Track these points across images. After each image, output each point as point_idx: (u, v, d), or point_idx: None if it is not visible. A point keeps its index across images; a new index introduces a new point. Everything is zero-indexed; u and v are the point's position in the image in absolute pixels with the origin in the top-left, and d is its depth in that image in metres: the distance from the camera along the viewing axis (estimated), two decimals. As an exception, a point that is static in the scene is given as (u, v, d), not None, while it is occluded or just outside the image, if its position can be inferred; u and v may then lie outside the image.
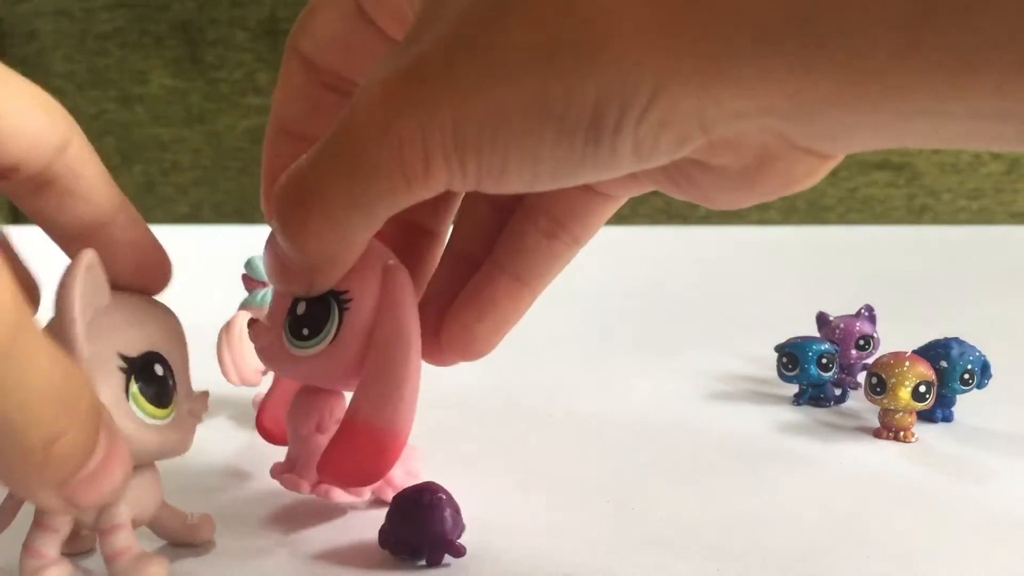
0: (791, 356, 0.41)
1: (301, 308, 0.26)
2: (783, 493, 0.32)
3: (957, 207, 1.47)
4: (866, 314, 0.44)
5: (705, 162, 0.21)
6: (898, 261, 0.80)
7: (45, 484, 0.20)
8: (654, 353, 0.51)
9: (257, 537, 0.29)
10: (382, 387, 0.25)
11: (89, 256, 0.23)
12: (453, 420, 0.40)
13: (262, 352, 0.27)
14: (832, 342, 0.42)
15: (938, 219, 1.48)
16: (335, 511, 0.31)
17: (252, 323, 0.27)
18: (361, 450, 0.25)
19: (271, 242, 0.24)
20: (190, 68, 1.48)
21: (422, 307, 0.27)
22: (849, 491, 0.32)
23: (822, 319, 0.45)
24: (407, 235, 0.28)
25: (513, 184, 0.21)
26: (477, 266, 0.27)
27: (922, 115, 0.18)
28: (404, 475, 0.30)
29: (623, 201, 0.26)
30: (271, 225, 0.23)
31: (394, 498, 0.27)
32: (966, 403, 0.39)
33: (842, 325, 0.43)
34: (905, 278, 0.71)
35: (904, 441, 0.37)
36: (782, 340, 0.42)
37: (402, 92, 0.20)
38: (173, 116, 1.48)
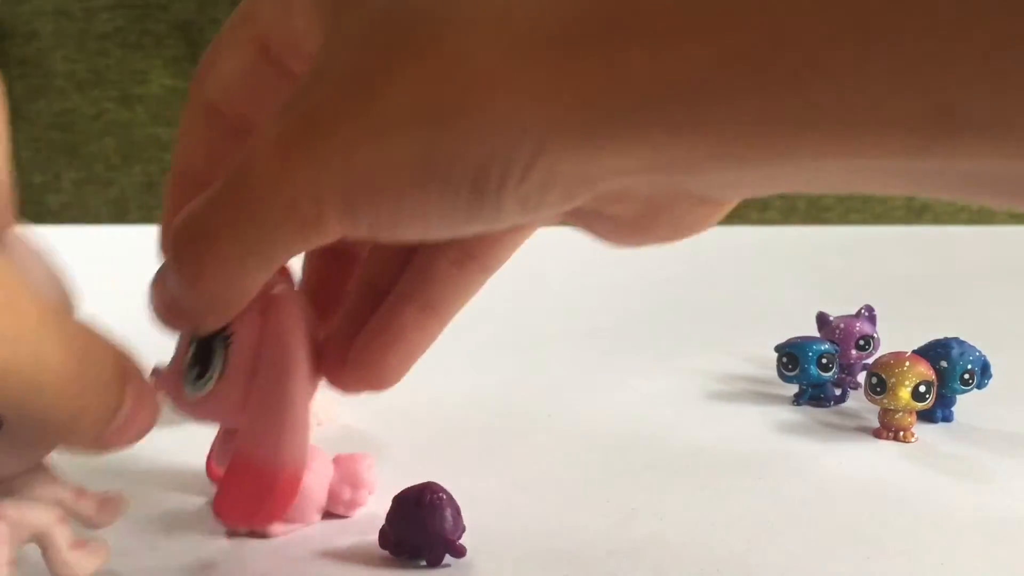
0: (791, 356, 0.41)
1: (192, 349, 0.25)
2: (783, 493, 0.32)
3: (957, 207, 1.47)
4: (866, 314, 0.44)
5: (597, 211, 0.22)
6: (898, 261, 0.79)
7: (74, 445, 0.23)
8: (654, 353, 0.51)
9: (257, 540, 0.29)
10: (264, 423, 0.25)
11: None
12: (453, 420, 0.40)
13: (171, 400, 0.26)
14: (832, 342, 0.41)
15: (938, 219, 1.48)
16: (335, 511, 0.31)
17: (155, 372, 0.26)
18: (249, 489, 0.25)
19: (159, 281, 0.24)
20: (190, 68, 1.48)
21: (331, 335, 0.27)
22: (849, 491, 0.32)
23: (822, 319, 0.44)
24: (330, 256, 0.28)
25: (406, 236, 0.21)
26: (385, 294, 0.27)
27: (798, 172, 0.19)
28: (351, 491, 0.30)
29: (534, 231, 0.26)
30: (165, 265, 0.23)
31: (394, 498, 0.27)
32: (966, 403, 0.39)
33: (842, 325, 0.43)
34: (905, 278, 0.71)
35: (904, 441, 0.37)
36: (782, 340, 0.42)
37: (295, 146, 0.20)
38: (173, 116, 1.48)
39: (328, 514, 0.30)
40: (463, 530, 0.27)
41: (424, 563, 0.27)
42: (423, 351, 0.27)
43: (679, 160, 0.19)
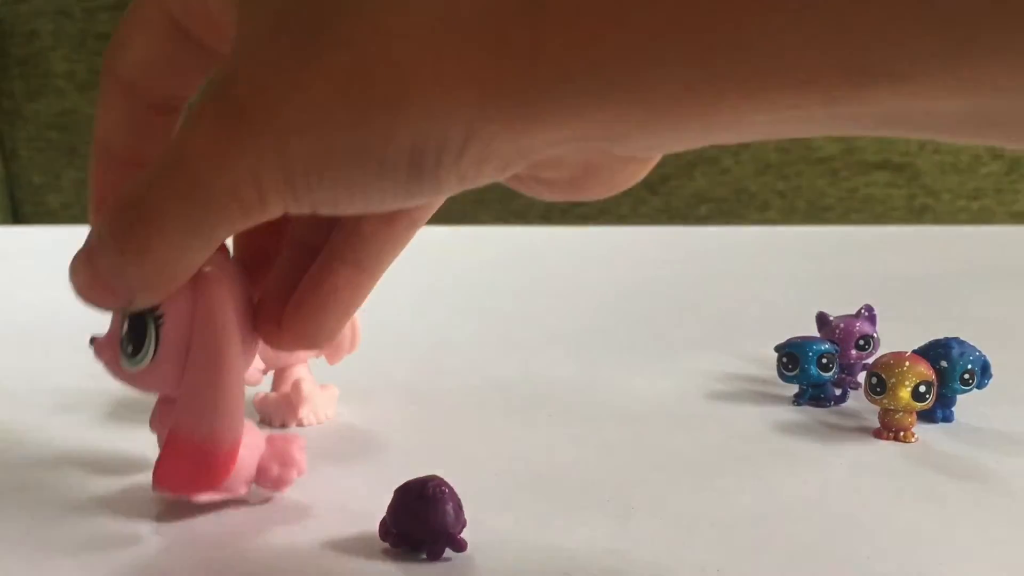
0: (791, 356, 0.41)
1: (126, 325, 0.26)
2: (783, 493, 0.32)
3: (957, 207, 1.47)
4: (866, 314, 0.44)
5: (534, 175, 0.23)
6: (898, 261, 0.79)
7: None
8: (654, 353, 0.51)
9: (257, 529, 0.29)
10: (199, 401, 0.25)
11: None
12: (455, 417, 0.40)
13: (107, 368, 0.27)
14: (832, 342, 0.41)
15: (938, 219, 1.48)
16: (335, 504, 0.31)
17: (93, 340, 0.27)
18: (185, 464, 0.26)
19: (86, 256, 0.24)
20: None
21: (265, 296, 0.27)
22: (849, 491, 0.32)
23: (822, 319, 0.44)
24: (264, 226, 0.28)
25: (347, 211, 0.22)
26: (316, 253, 0.27)
27: (723, 128, 0.19)
28: (280, 468, 0.30)
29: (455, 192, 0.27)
30: (98, 241, 0.23)
31: (396, 491, 0.27)
32: (966, 403, 0.39)
33: (842, 325, 0.43)
34: (905, 278, 0.71)
35: (904, 441, 0.37)
36: (782, 340, 0.42)
37: (232, 133, 0.21)
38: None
39: (325, 511, 0.30)
40: (464, 524, 0.27)
41: (424, 556, 0.27)
42: (356, 308, 0.27)
43: (609, 129, 0.20)
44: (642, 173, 0.24)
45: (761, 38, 0.17)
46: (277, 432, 0.32)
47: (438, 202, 0.26)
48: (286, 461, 0.30)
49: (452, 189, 0.21)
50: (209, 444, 0.26)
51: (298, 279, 0.27)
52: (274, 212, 0.22)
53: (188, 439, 0.26)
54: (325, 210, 0.22)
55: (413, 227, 0.27)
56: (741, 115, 0.19)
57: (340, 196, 0.21)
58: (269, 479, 0.30)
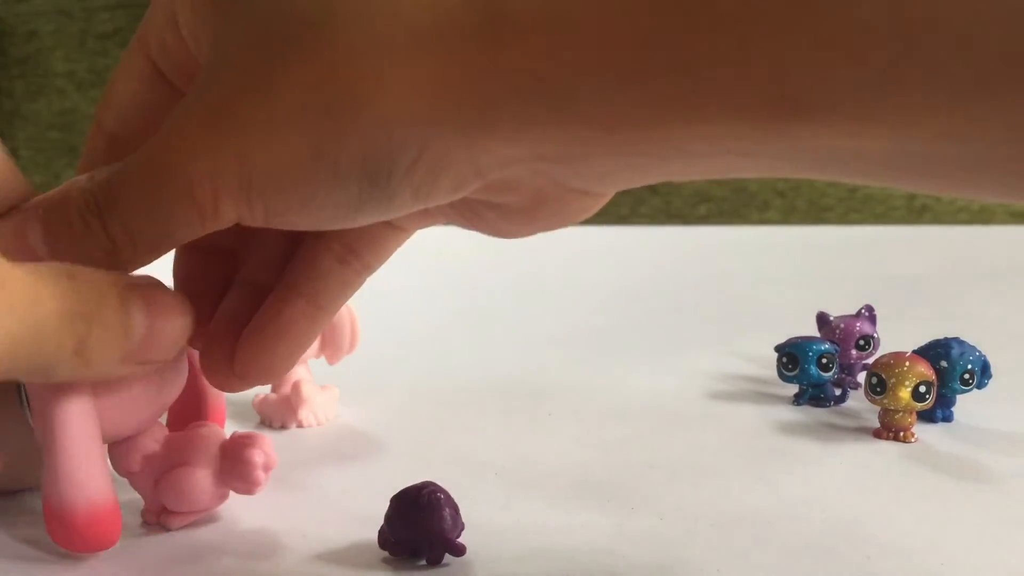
0: (791, 356, 0.41)
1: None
2: (783, 493, 0.32)
3: (957, 207, 1.47)
4: (866, 314, 0.44)
5: (487, 200, 0.23)
6: (898, 261, 0.79)
7: (103, 371, 0.23)
8: (654, 353, 0.51)
9: (256, 537, 0.29)
10: (48, 471, 0.26)
11: None
12: (455, 418, 0.40)
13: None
14: (832, 342, 0.41)
15: (938, 219, 1.48)
16: (335, 510, 0.31)
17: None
18: (50, 525, 0.26)
19: (26, 230, 0.24)
20: (190, 68, 1.48)
21: (212, 335, 0.27)
22: (849, 491, 0.32)
23: (822, 319, 0.44)
24: (203, 255, 0.28)
25: (300, 224, 0.23)
26: (266, 293, 0.27)
27: (671, 158, 0.20)
28: (239, 475, 0.29)
29: (413, 234, 0.27)
30: (58, 196, 0.24)
31: (392, 498, 0.27)
32: (966, 403, 0.39)
33: (842, 325, 0.43)
34: (905, 278, 0.71)
35: (904, 441, 0.37)
36: (782, 340, 0.42)
37: (195, 136, 0.21)
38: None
39: (325, 511, 0.30)
40: (462, 528, 0.27)
41: (423, 562, 0.27)
42: (309, 344, 0.28)
43: (560, 147, 0.20)
44: (594, 208, 0.24)
45: (701, 61, 0.18)
46: (273, 432, 0.31)
47: (392, 248, 0.27)
48: (242, 471, 0.29)
49: (405, 204, 0.22)
50: (57, 507, 0.26)
51: (247, 318, 0.27)
52: (225, 218, 0.22)
53: (46, 503, 0.26)
54: (276, 220, 0.22)
55: (366, 271, 0.27)
56: (683, 144, 0.19)
57: (293, 205, 0.22)
58: (234, 486, 0.29)
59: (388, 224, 0.26)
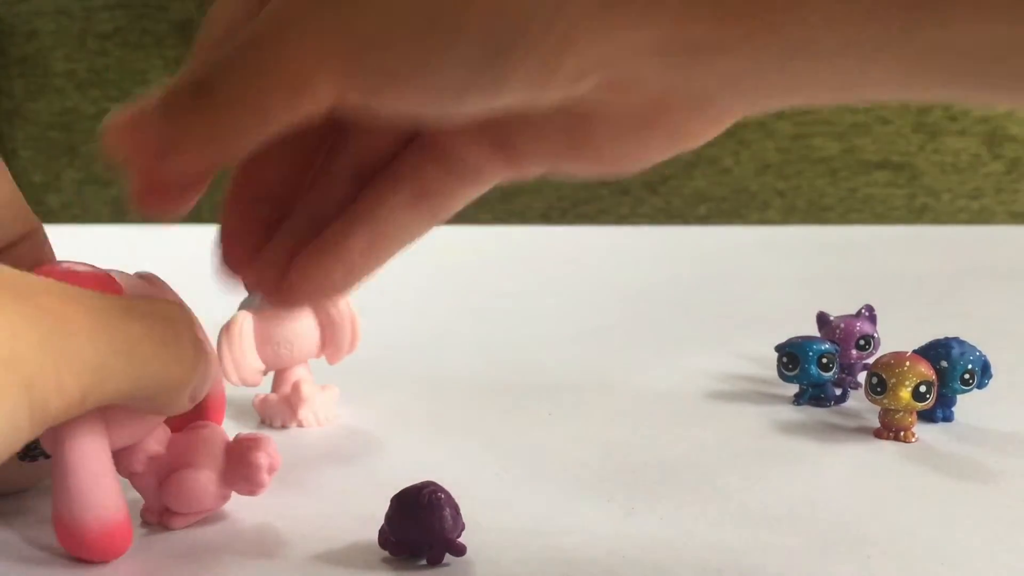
0: (791, 356, 0.41)
1: None
2: (783, 493, 0.32)
3: (957, 207, 1.47)
4: (866, 314, 0.44)
5: (601, 110, 0.22)
6: (898, 261, 0.79)
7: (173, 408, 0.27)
8: (654, 352, 0.51)
9: (256, 537, 0.29)
10: (56, 483, 0.26)
11: None
12: (455, 417, 0.40)
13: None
14: (832, 342, 0.41)
15: (938, 219, 1.48)
16: (336, 510, 0.31)
17: None
18: (60, 535, 0.27)
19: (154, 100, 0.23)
20: (190, 68, 1.48)
21: (271, 246, 0.26)
22: (849, 491, 0.32)
23: (822, 319, 0.44)
24: (256, 206, 0.27)
25: (400, 104, 0.21)
26: (330, 221, 0.26)
27: (799, 53, 0.19)
28: (244, 476, 0.29)
29: (488, 186, 0.26)
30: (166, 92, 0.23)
31: (393, 498, 0.27)
32: (966, 403, 0.39)
33: (842, 325, 0.43)
34: (905, 278, 0.71)
35: (904, 441, 0.37)
36: (782, 340, 0.42)
37: (297, 5, 0.20)
38: (173, 116, 1.48)
39: (325, 511, 0.30)
40: (462, 528, 0.27)
41: (424, 562, 0.27)
42: (364, 276, 0.27)
43: (692, 41, 0.19)
44: (711, 132, 0.23)
45: None
46: (273, 432, 0.31)
47: (466, 196, 0.26)
48: (247, 474, 0.29)
49: (519, 88, 0.20)
50: (67, 523, 0.26)
51: (308, 240, 0.26)
52: (323, 96, 0.21)
53: (56, 518, 0.27)
54: (376, 98, 0.21)
55: (433, 218, 0.26)
56: (816, 33, 0.18)
57: (399, 76, 0.20)
58: (238, 487, 0.29)
59: (463, 173, 0.25)
